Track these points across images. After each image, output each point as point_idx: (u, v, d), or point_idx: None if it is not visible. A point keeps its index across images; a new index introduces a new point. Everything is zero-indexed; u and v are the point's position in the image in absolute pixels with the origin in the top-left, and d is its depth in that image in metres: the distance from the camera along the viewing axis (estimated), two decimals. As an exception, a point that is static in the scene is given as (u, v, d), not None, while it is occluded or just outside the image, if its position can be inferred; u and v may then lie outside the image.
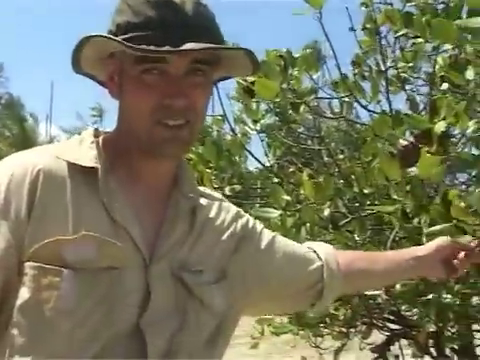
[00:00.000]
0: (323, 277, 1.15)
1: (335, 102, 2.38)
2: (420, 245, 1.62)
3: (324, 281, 1.15)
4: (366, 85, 2.09)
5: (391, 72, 2.14)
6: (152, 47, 0.87)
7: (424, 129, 1.30)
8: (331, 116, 2.24)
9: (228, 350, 1.02)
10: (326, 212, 2.18)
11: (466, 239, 1.32)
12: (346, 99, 2.18)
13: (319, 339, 2.82)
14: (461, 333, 1.86)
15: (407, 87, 2.23)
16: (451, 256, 1.29)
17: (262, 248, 1.11)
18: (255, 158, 2.28)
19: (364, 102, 2.09)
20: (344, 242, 2.20)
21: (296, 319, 2.52)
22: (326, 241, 2.27)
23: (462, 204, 1.35)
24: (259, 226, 1.14)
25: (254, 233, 1.11)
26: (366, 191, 1.97)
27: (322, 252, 1.19)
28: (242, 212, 1.13)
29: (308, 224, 2.01)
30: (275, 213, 1.91)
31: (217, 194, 1.14)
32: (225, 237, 1.05)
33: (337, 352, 2.84)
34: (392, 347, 3.26)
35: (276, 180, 2.45)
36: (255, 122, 2.55)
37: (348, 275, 1.21)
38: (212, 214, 1.06)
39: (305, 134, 2.57)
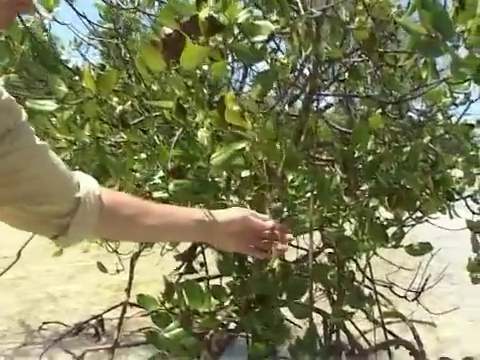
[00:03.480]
0: (75, 212, 1.06)
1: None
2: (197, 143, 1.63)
3: (75, 217, 1.06)
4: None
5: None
6: None
7: (191, 16, 1.25)
8: (123, 7, 2.13)
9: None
10: (118, 109, 2.13)
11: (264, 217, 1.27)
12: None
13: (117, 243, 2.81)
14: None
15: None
16: (247, 233, 1.24)
17: (23, 150, 0.99)
18: (40, 46, 2.11)
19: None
20: (136, 142, 2.17)
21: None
22: (118, 141, 2.24)
23: (236, 108, 1.33)
24: (31, 128, 1.03)
25: (23, 131, 0.99)
26: (154, 87, 1.93)
27: (85, 186, 1.10)
28: (17, 105, 1.00)
29: (91, 120, 1.95)
30: (52, 106, 1.80)
31: None
32: None
33: (134, 257, 2.87)
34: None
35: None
36: (49, 11, 2.38)
37: (109, 219, 1.13)
38: None
39: (100, 25, 2.44)
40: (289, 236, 1.26)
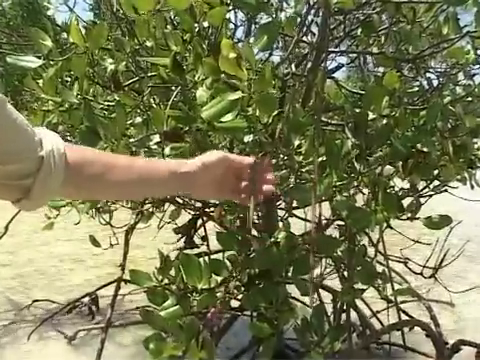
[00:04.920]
0: (38, 173, 1.03)
1: None
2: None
3: (37, 177, 1.03)
4: None
5: None
6: None
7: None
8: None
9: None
10: (109, 68, 2.09)
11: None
12: None
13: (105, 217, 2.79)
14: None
15: None
16: (229, 175, 1.20)
17: None
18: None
19: None
20: (130, 104, 2.14)
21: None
22: (110, 104, 2.21)
23: (232, 55, 1.29)
24: None
25: None
26: (148, 43, 1.89)
27: (48, 142, 1.06)
28: None
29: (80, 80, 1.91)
30: (36, 62, 1.77)
31: None
32: None
33: (129, 231, 2.85)
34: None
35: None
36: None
37: (75, 178, 1.10)
38: None
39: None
40: (271, 176, 1.22)
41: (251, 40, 2.26)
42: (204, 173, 1.18)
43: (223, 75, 1.30)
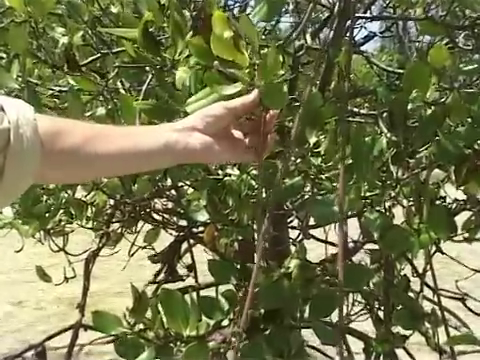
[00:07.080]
0: (7, 147, 1.07)
1: None
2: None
3: (8, 153, 1.07)
4: None
5: None
6: None
7: None
8: None
9: None
10: (62, 42, 2.13)
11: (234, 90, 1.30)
12: None
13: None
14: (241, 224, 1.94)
15: None
16: (230, 129, 1.29)
17: None
18: None
19: None
20: (90, 90, 2.17)
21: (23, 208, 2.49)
22: (61, 90, 2.24)
23: (227, 34, 1.29)
24: None
25: None
26: (114, 9, 1.93)
27: (14, 111, 1.10)
28: None
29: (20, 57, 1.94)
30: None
31: None
32: None
33: (90, 259, 2.88)
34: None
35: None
36: None
37: (55, 152, 1.15)
38: None
39: None
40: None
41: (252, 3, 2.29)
42: (207, 125, 1.25)
43: (216, 62, 1.31)
